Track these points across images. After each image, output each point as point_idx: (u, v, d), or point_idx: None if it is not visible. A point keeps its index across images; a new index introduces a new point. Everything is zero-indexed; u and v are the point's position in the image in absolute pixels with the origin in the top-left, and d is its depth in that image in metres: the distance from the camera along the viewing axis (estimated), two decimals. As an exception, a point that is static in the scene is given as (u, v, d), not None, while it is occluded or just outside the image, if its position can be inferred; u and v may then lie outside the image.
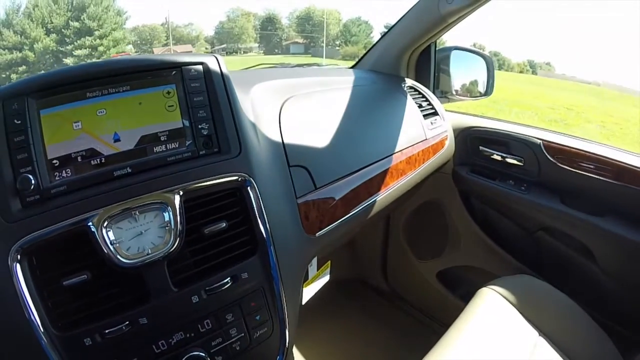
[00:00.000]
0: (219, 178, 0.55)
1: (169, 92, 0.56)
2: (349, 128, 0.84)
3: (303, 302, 0.92)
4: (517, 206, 1.20)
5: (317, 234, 0.71)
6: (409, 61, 1.36)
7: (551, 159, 1.13)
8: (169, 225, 0.50)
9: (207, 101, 0.58)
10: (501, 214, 1.29)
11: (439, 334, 0.86)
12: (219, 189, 0.56)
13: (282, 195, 0.64)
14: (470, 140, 1.31)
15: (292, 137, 0.72)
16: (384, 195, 0.86)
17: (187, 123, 0.56)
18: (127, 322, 0.48)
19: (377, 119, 0.97)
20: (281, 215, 0.63)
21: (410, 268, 1.55)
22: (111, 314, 0.48)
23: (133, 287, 0.49)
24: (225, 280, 0.55)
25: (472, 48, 1.53)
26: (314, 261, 0.90)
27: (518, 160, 1.20)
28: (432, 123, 1.11)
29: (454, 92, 1.45)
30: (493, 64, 1.53)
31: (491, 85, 1.48)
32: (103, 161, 0.51)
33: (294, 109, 0.79)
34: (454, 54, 1.43)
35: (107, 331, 0.47)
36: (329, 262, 1.00)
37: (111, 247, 0.47)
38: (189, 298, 0.52)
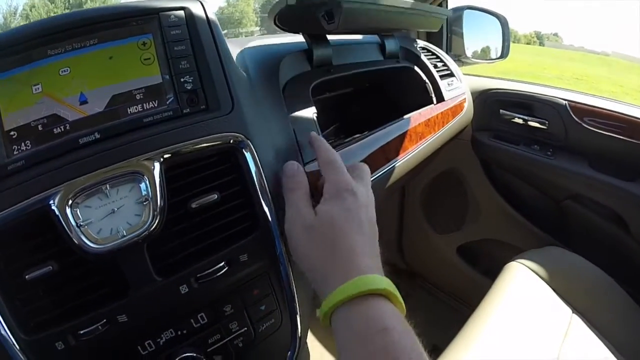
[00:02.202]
0: (207, 140, 0.46)
1: (144, 43, 0.47)
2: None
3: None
4: (542, 173, 1.12)
5: None
6: None
7: (578, 121, 1.05)
8: (147, 199, 0.41)
9: (191, 50, 0.49)
10: (525, 182, 1.21)
11: (461, 313, 0.82)
12: (207, 153, 0.47)
13: (286, 160, 0.54)
14: (489, 104, 1.22)
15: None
16: (403, 162, 0.77)
17: (167, 77, 0.47)
18: (104, 321, 0.40)
19: None
20: None
21: (428, 243, 1.49)
22: (84, 312, 0.40)
23: (108, 277, 0.42)
24: (220, 265, 0.46)
25: (486, 8, 1.44)
26: None
27: (541, 123, 1.12)
28: (449, 84, 1.01)
29: (467, 55, 1.37)
30: (508, 24, 1.44)
31: (507, 47, 1.41)
32: (67, 128, 0.42)
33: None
34: (466, 14, 1.35)
35: (81, 332, 0.39)
36: None
37: (78, 230, 0.39)
38: (177, 288, 0.44)
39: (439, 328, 0.84)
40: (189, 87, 0.47)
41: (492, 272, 0.96)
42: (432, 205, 1.48)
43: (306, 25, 0.68)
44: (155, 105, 0.46)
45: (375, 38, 0.92)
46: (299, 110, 0.62)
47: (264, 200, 0.49)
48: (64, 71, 0.43)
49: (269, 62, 0.64)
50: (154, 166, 0.42)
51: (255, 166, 0.48)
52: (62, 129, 0.42)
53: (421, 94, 0.95)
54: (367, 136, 0.71)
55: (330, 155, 0.49)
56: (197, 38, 0.49)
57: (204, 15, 0.51)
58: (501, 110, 1.19)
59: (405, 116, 0.82)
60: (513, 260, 0.93)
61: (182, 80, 0.47)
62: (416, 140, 0.82)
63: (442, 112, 0.94)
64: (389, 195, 1.45)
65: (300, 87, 0.66)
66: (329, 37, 0.75)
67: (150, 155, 0.42)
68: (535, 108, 1.14)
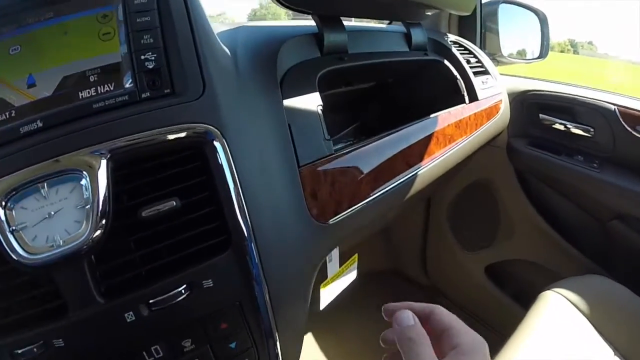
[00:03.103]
0: (166, 131, 0.37)
1: (105, 16, 0.40)
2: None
3: (322, 307, 0.75)
4: (585, 188, 0.99)
5: (330, 220, 0.51)
6: (450, 17, 1.19)
7: (629, 129, 0.93)
8: (88, 204, 0.34)
9: (157, 22, 0.40)
10: (566, 198, 1.08)
11: (485, 337, 0.73)
12: (167, 148, 0.38)
13: (273, 160, 0.45)
14: (528, 107, 1.09)
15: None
16: (428, 168, 0.65)
17: (126, 54, 0.39)
18: (41, 342, 0.34)
19: None
20: (271, 191, 0.45)
21: (454, 260, 1.37)
22: (20, 328, 0.34)
23: (46, 293, 0.35)
24: (178, 290, 0.37)
25: (523, 2, 1.31)
26: (334, 255, 0.72)
27: (586, 131, 0.99)
28: (483, 82, 0.89)
29: (502, 54, 1.25)
30: (548, 21, 1.31)
31: (546, 46, 1.30)
32: (13, 115, 0.37)
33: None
34: (502, 9, 1.24)
35: (19, 352, 0.34)
36: (356, 255, 0.81)
37: (10, 236, 0.33)
38: (122, 315, 0.36)
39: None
40: (150, 66, 0.39)
41: (523, 297, 0.93)
42: (460, 219, 1.35)
43: None
44: (111, 88, 0.39)
45: (400, 27, 0.80)
46: (299, 101, 0.52)
47: (238, 211, 0.39)
48: (15, 49, 0.38)
49: (265, 43, 0.54)
50: (98, 163, 0.35)
51: (228, 167, 0.39)
52: (7, 116, 0.37)
53: (452, 91, 0.83)
54: (385, 136, 0.60)
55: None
56: (166, 7, 0.40)
57: None
58: (541, 115, 1.07)
59: (432, 115, 0.70)
60: (549, 289, 0.84)
61: (142, 57, 0.39)
62: (444, 143, 0.70)
63: (475, 114, 0.81)
64: (412, 207, 1.34)
65: (304, 75, 0.55)
66: (345, 21, 0.64)
67: (94, 149, 0.35)
68: (579, 113, 1.01)
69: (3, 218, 0.33)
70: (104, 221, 0.34)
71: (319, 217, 0.49)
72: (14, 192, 0.34)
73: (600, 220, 1.02)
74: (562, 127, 1.03)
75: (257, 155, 0.43)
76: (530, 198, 1.13)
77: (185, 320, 0.39)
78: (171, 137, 0.38)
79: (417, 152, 0.63)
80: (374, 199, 0.56)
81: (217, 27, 0.56)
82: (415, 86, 0.89)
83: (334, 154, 0.52)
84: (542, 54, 1.29)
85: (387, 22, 1.02)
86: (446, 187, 1.29)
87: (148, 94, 0.39)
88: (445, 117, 0.72)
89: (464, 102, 0.81)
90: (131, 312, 0.36)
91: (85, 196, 0.34)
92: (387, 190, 0.57)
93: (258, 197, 0.42)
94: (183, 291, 0.38)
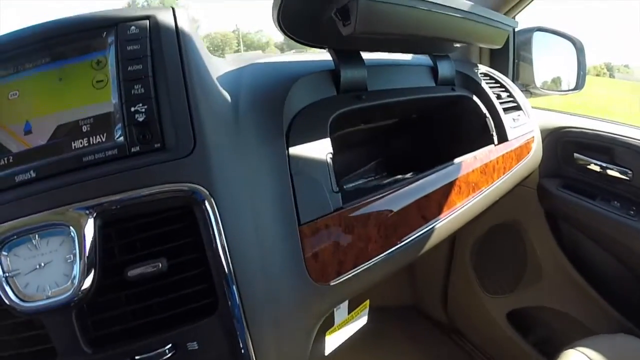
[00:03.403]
0: (153, 192, 0.37)
1: (99, 62, 0.40)
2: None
3: (327, 353, 0.71)
4: (620, 237, 0.90)
5: (332, 281, 0.47)
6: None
7: None
8: (76, 258, 0.35)
9: (149, 71, 0.39)
10: (599, 246, 0.99)
11: None
12: (155, 207, 0.38)
13: (270, 219, 0.43)
14: (562, 145, 1.02)
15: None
16: (446, 221, 0.59)
17: (117, 105, 0.39)
18: None
19: None
20: (265, 253, 0.42)
21: (476, 302, 1.30)
22: None
23: (37, 336, 0.37)
24: (163, 349, 0.38)
25: (558, 30, 1.25)
26: (343, 303, 0.67)
27: (623, 173, 0.91)
28: (514, 120, 0.83)
29: (537, 85, 1.18)
30: (584, 50, 1.25)
31: (582, 76, 1.22)
32: (10, 161, 0.38)
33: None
34: (536, 37, 1.17)
35: None
36: (367, 301, 0.76)
37: (3, 281, 0.35)
38: None
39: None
40: (140, 119, 0.39)
41: (547, 347, 0.87)
42: (484, 261, 1.28)
43: (318, 30, 0.53)
44: (103, 139, 0.39)
45: (426, 60, 0.76)
46: (307, 149, 0.48)
47: (226, 275, 0.39)
48: (13, 95, 0.40)
49: (274, 85, 0.50)
50: (85, 220, 0.36)
51: (217, 229, 0.38)
52: (5, 162, 0.38)
53: (480, 130, 0.78)
54: (399, 187, 0.54)
55: None
56: (159, 53, 0.40)
57: (172, 25, 0.42)
58: (575, 154, 1.00)
59: (456, 160, 0.64)
60: (573, 347, 0.76)
61: (132, 109, 0.38)
62: (467, 192, 0.64)
63: (503, 155, 0.75)
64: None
65: (315, 119, 0.51)
66: (365, 55, 0.59)
67: (81, 205, 0.36)
68: (618, 154, 0.93)
69: None
70: (91, 276, 0.35)
71: (319, 278, 0.45)
72: (7, 240, 0.35)
73: (636, 272, 0.93)
74: (598, 169, 0.95)
75: (250, 215, 0.41)
76: (560, 243, 1.05)
77: None
78: (158, 196, 0.37)
79: (435, 204, 0.58)
80: (384, 256, 0.51)
81: (224, 67, 0.53)
82: (441, 123, 0.84)
83: (341, 208, 0.48)
84: (579, 85, 1.21)
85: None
86: (471, 226, 1.22)
87: (138, 148, 0.38)
88: (470, 162, 0.66)
89: (492, 142, 0.75)
90: None
91: (73, 251, 0.35)
92: (400, 247, 0.52)
93: (250, 260, 0.40)
94: (167, 351, 0.38)
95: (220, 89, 0.45)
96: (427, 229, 0.56)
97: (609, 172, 0.93)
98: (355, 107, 0.56)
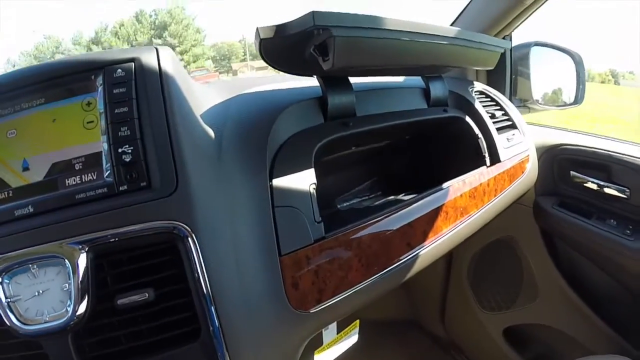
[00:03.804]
0: (140, 228, 0.40)
1: (89, 103, 0.44)
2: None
3: None
4: (616, 256, 0.89)
5: (312, 309, 0.48)
6: None
7: None
8: (71, 287, 0.39)
9: (135, 113, 0.42)
10: (595, 264, 0.98)
11: None
12: (141, 243, 0.41)
13: (251, 252, 0.45)
14: (558, 163, 1.01)
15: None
16: (431, 247, 0.59)
17: (106, 145, 0.42)
18: None
19: None
20: (246, 283, 0.44)
21: (473, 318, 1.29)
22: None
23: (36, 355, 0.40)
24: None
25: (556, 44, 1.25)
26: (331, 324, 0.67)
27: (621, 191, 0.89)
28: (508, 140, 0.82)
29: (535, 100, 1.18)
30: (583, 63, 1.24)
31: (581, 90, 1.21)
32: (10, 195, 0.42)
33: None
34: (534, 52, 1.17)
35: None
36: (357, 321, 0.76)
37: (6, 306, 0.38)
38: None
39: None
40: (127, 160, 0.41)
41: None
42: (480, 277, 1.28)
43: (299, 63, 0.54)
44: (94, 177, 0.42)
45: (418, 80, 0.76)
46: (290, 181, 0.49)
47: (207, 306, 0.41)
48: (11, 133, 0.43)
49: (259, 116, 0.52)
50: (78, 253, 0.39)
51: (199, 263, 0.41)
52: (5, 195, 0.42)
53: (472, 152, 0.77)
54: (384, 216, 0.55)
55: None
56: (144, 97, 0.42)
57: (156, 67, 0.44)
58: (572, 172, 0.99)
59: (444, 185, 0.64)
60: None
61: (119, 150, 0.41)
62: (455, 217, 0.63)
63: (495, 177, 0.75)
64: None
65: (301, 149, 0.52)
66: (353, 80, 0.59)
67: (74, 240, 0.39)
68: (615, 171, 0.92)
69: (1, 290, 0.38)
70: (85, 303, 0.38)
71: (299, 306, 0.47)
72: (9, 269, 0.39)
73: (632, 292, 0.92)
74: (594, 187, 0.94)
75: (231, 248, 0.43)
76: (556, 261, 1.04)
77: None
78: (145, 233, 0.40)
79: (420, 231, 0.58)
80: (366, 284, 0.52)
81: (212, 98, 0.54)
82: (435, 144, 0.84)
83: (322, 238, 0.49)
84: (578, 100, 1.20)
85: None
86: (468, 243, 1.22)
87: (125, 187, 0.41)
88: (459, 187, 0.66)
89: (484, 164, 0.75)
90: None
91: (68, 280, 0.38)
92: (383, 274, 0.53)
93: (231, 290, 0.42)
94: None
95: (204, 125, 0.47)
96: (411, 256, 0.56)
97: (606, 190, 0.92)
98: (341, 135, 0.56)
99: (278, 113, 0.52)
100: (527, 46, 1.16)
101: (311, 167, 0.51)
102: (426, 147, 0.87)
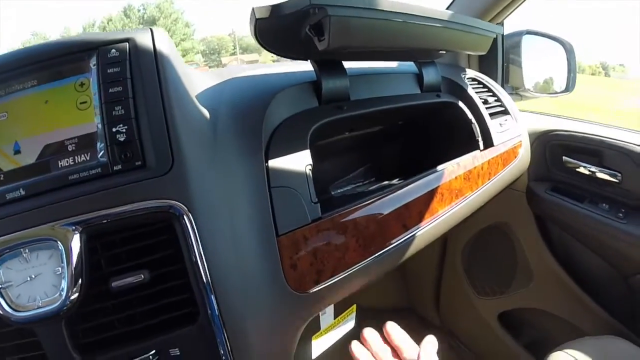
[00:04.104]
0: (134, 208, 0.39)
1: (82, 84, 0.42)
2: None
3: (313, 357, 0.73)
4: (609, 240, 0.90)
5: (311, 289, 0.48)
6: None
7: None
8: (64, 270, 0.38)
9: (129, 92, 0.41)
10: (588, 248, 0.99)
11: None
12: (136, 222, 0.40)
13: (247, 231, 0.44)
14: (551, 148, 1.02)
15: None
16: (427, 229, 0.60)
17: (100, 125, 0.41)
18: None
19: None
20: (243, 264, 0.44)
21: (467, 304, 1.30)
22: None
23: (29, 343, 0.39)
24: (147, 356, 0.40)
25: (548, 32, 1.25)
26: (329, 308, 0.67)
27: (613, 176, 0.91)
28: (500, 125, 0.83)
29: (527, 88, 1.18)
30: (574, 52, 1.25)
31: (572, 79, 1.21)
32: (1, 179, 0.41)
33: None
34: (525, 40, 1.17)
35: None
36: (354, 306, 0.76)
37: None
38: None
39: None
40: (121, 139, 0.40)
41: (537, 349, 0.87)
42: (474, 263, 1.28)
43: (294, 45, 0.54)
44: (87, 158, 0.41)
45: (411, 66, 0.76)
46: (286, 162, 0.49)
47: (205, 286, 0.40)
48: (2, 116, 0.42)
49: (254, 98, 0.51)
50: (71, 235, 0.38)
51: (195, 242, 0.40)
52: None
53: (466, 136, 0.78)
54: (379, 197, 0.55)
55: None
56: (138, 75, 0.41)
57: (150, 48, 0.43)
58: (564, 157, 0.99)
59: (439, 167, 0.65)
60: (560, 350, 0.76)
61: (113, 130, 0.40)
62: (450, 199, 0.64)
63: (489, 161, 0.75)
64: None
65: (296, 131, 0.52)
66: (347, 64, 0.60)
67: (67, 222, 0.38)
68: (607, 156, 0.93)
69: None
70: (78, 287, 0.37)
71: (297, 287, 0.47)
72: (3, 253, 0.37)
73: (624, 274, 0.93)
74: (587, 172, 0.95)
75: (228, 228, 0.42)
76: (550, 246, 1.05)
77: None
78: (139, 212, 0.39)
79: (416, 212, 0.58)
80: (364, 265, 0.52)
81: (205, 82, 0.54)
82: (428, 129, 0.84)
83: (319, 219, 0.48)
84: (569, 87, 1.21)
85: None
86: (461, 228, 1.23)
87: (120, 166, 0.40)
88: (453, 170, 0.66)
89: (478, 148, 0.76)
90: None
91: (61, 264, 0.37)
92: (380, 255, 0.53)
93: (228, 270, 0.42)
94: (151, 357, 0.40)
95: (199, 106, 0.46)
96: (408, 237, 0.57)
97: (598, 174, 0.93)
98: (336, 117, 0.56)
99: (273, 95, 0.51)
100: (519, 34, 1.16)
101: (307, 149, 0.51)
102: (419, 133, 0.87)
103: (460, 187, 0.66)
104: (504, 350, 1.19)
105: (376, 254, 0.53)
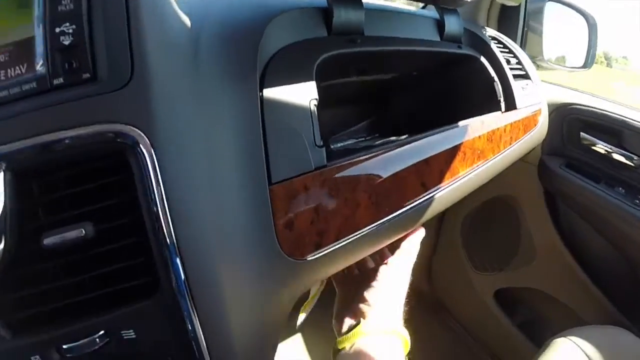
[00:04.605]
0: (74, 133, 0.28)
1: None
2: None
3: (298, 325, 0.69)
4: (621, 225, 0.85)
5: (309, 256, 0.39)
6: (489, 9, 1.04)
7: None
8: None
9: None
10: (598, 231, 0.95)
11: None
12: (79, 155, 0.29)
13: (230, 174, 0.34)
14: (568, 123, 0.96)
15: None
16: (447, 191, 0.52)
17: (39, 29, 0.29)
18: None
19: None
20: (223, 219, 0.33)
21: (463, 278, 1.26)
22: None
23: None
24: (93, 338, 0.30)
25: (573, 3, 1.17)
26: None
27: (629, 159, 0.86)
28: (522, 88, 0.75)
29: (544, 58, 1.12)
30: (597, 27, 1.17)
31: (592, 55, 1.15)
32: None
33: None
34: (548, 7, 1.11)
35: None
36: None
37: None
38: (28, 357, 0.30)
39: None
40: (66, 42, 0.29)
41: (532, 330, 0.84)
42: (474, 235, 1.23)
43: None
44: (22, 71, 0.30)
45: (432, 12, 0.67)
46: (286, 92, 0.39)
47: (167, 244, 0.30)
48: None
49: (250, 14, 0.41)
50: None
51: (156, 184, 0.29)
52: None
53: (486, 95, 0.70)
54: (396, 146, 0.47)
55: None
56: None
57: None
58: (582, 133, 0.94)
59: (461, 123, 0.57)
60: (563, 336, 0.74)
61: (56, 30, 0.29)
62: (472, 160, 0.56)
63: (511, 124, 0.68)
64: None
65: (299, 59, 0.42)
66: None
67: None
68: (627, 138, 0.87)
69: None
70: (4, 243, 0.27)
71: (292, 252, 0.37)
72: None
73: (633, 262, 0.90)
74: (603, 151, 0.90)
75: (205, 168, 0.32)
76: (557, 225, 1.00)
77: None
78: (82, 141, 0.28)
79: (436, 170, 0.50)
80: (375, 227, 0.43)
81: None
82: (444, 84, 0.76)
83: (324, 166, 0.39)
84: (587, 64, 1.14)
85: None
86: (463, 199, 1.18)
87: (62, 79, 0.29)
88: (477, 128, 0.58)
89: (499, 109, 0.68)
90: (38, 356, 0.30)
91: None
92: (395, 217, 0.45)
93: (201, 226, 0.31)
94: (98, 340, 0.30)
95: (177, 10, 0.35)
96: (426, 198, 0.49)
97: (614, 155, 0.88)
98: (348, 51, 0.47)
99: (273, 16, 0.41)
100: (542, 1, 1.09)
101: (312, 80, 0.41)
102: (433, 88, 0.79)
103: (483, 148, 0.59)
104: (498, 328, 1.17)
105: (390, 215, 0.44)
